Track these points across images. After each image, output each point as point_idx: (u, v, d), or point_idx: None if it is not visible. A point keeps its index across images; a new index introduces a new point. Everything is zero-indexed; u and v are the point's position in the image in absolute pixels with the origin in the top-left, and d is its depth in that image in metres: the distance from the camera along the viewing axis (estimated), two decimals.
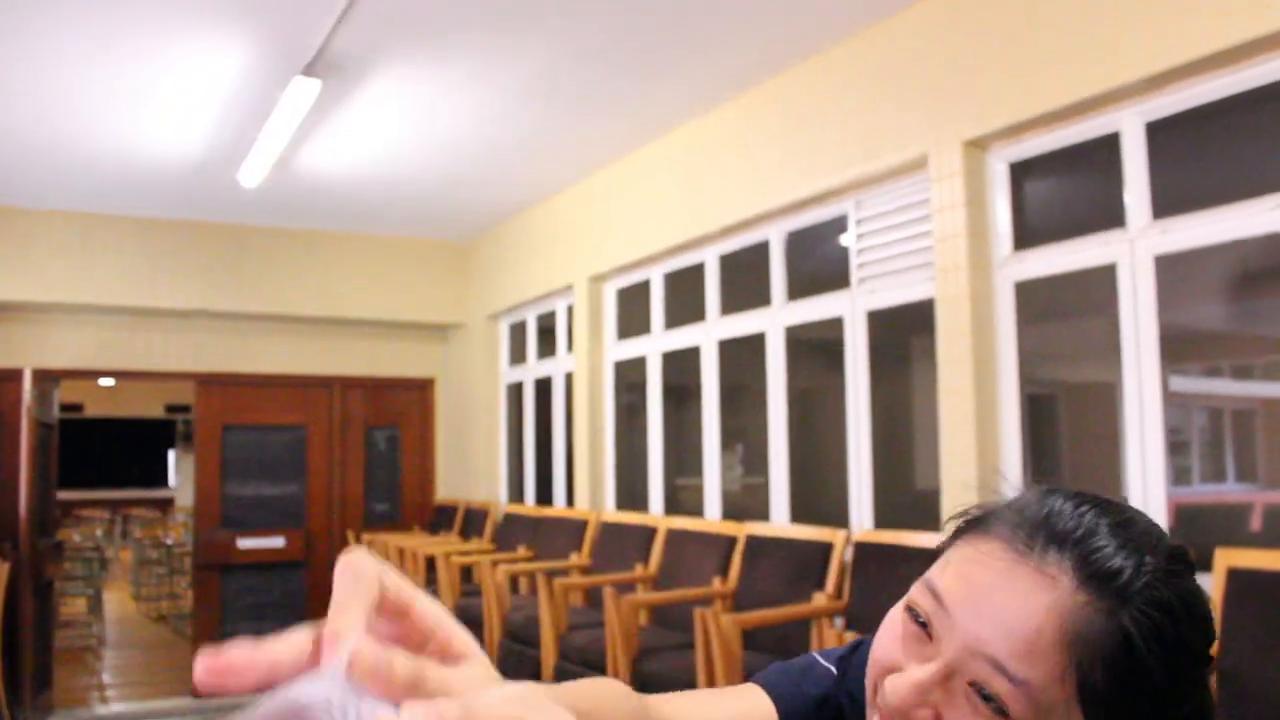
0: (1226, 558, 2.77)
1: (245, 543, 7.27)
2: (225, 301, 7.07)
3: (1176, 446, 3.46)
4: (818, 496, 4.61)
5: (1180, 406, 3.49)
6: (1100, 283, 3.38)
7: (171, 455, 18.32)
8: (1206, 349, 3.56)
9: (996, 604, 0.73)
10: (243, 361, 7.32)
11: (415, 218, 7.11)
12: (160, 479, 18.45)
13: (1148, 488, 3.21)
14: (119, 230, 6.79)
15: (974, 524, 0.80)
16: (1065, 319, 3.88)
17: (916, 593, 0.79)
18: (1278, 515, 3.01)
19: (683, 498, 5.57)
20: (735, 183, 4.82)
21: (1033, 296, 3.65)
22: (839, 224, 4.43)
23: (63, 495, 15.49)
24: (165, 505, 16.81)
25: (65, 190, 6.25)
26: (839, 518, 4.27)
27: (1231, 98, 3.06)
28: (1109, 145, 3.37)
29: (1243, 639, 2.62)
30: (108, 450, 17.49)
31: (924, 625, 0.77)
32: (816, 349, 4.77)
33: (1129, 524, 0.75)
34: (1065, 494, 0.78)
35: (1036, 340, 3.70)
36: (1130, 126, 3.28)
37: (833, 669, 1.02)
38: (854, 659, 1.04)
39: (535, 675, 4.62)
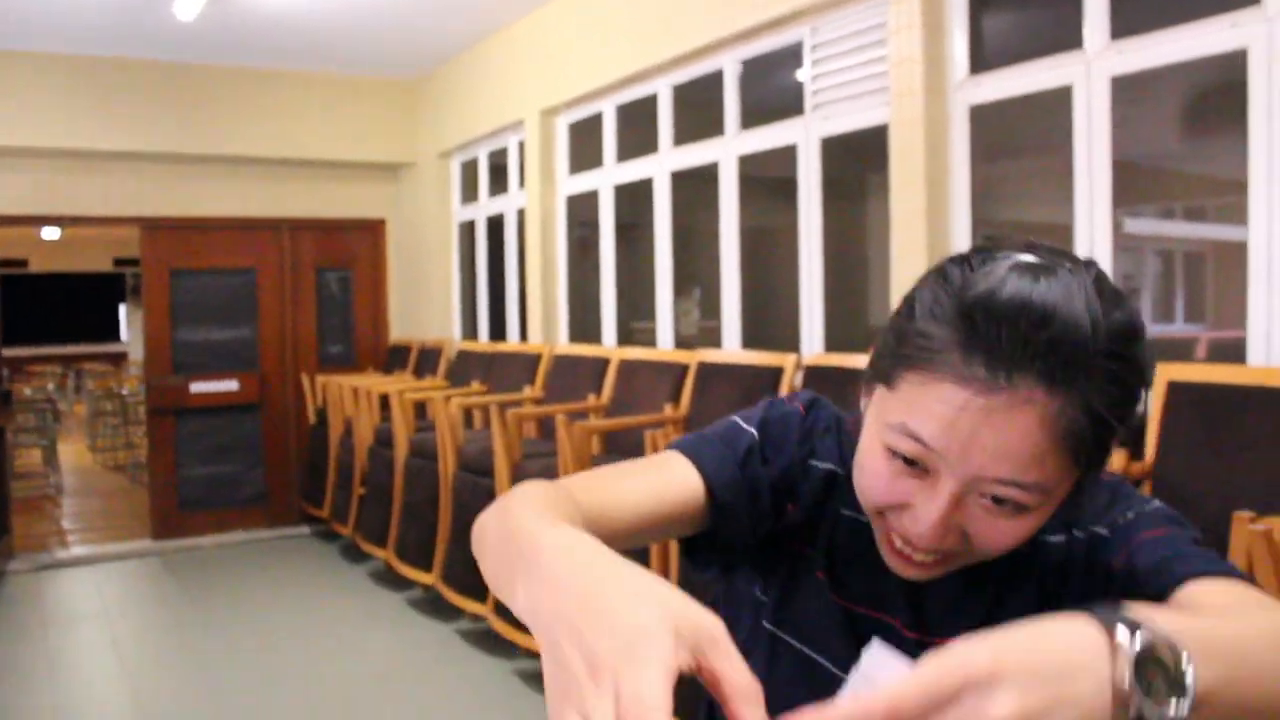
0: (1166, 372, 2.82)
1: (198, 386, 7.23)
2: (167, 143, 6.85)
3: (1129, 292, 3.49)
4: (770, 328, 4.63)
5: (1133, 250, 3.51)
6: (1056, 114, 3.35)
7: (122, 309, 18.09)
8: (1160, 189, 3.57)
9: (988, 441, 0.77)
10: (189, 205, 7.15)
11: (364, 54, 6.88)
12: (112, 333, 18.26)
13: None
14: (51, 68, 6.51)
15: (919, 357, 0.81)
16: (1020, 156, 3.86)
17: (897, 440, 0.82)
18: (1220, 348, 3.07)
19: (638, 340, 5.58)
20: (688, 10, 4.68)
21: (988, 130, 3.61)
22: (794, 54, 4.33)
23: (12, 352, 15.34)
24: (118, 359, 16.68)
25: None
26: (791, 345, 4.30)
27: None
28: None
29: (1180, 446, 2.69)
30: (57, 305, 17.23)
31: (912, 463, 0.82)
32: (770, 186, 4.73)
33: (1065, 282, 0.77)
34: (995, 282, 0.79)
35: (991, 180, 3.68)
36: None
37: (754, 432, 1.02)
38: (816, 416, 1.04)
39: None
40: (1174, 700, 0.57)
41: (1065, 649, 0.57)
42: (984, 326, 0.77)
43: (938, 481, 0.81)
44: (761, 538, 1.01)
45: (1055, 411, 0.76)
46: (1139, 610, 0.60)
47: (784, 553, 1.02)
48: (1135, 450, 2.76)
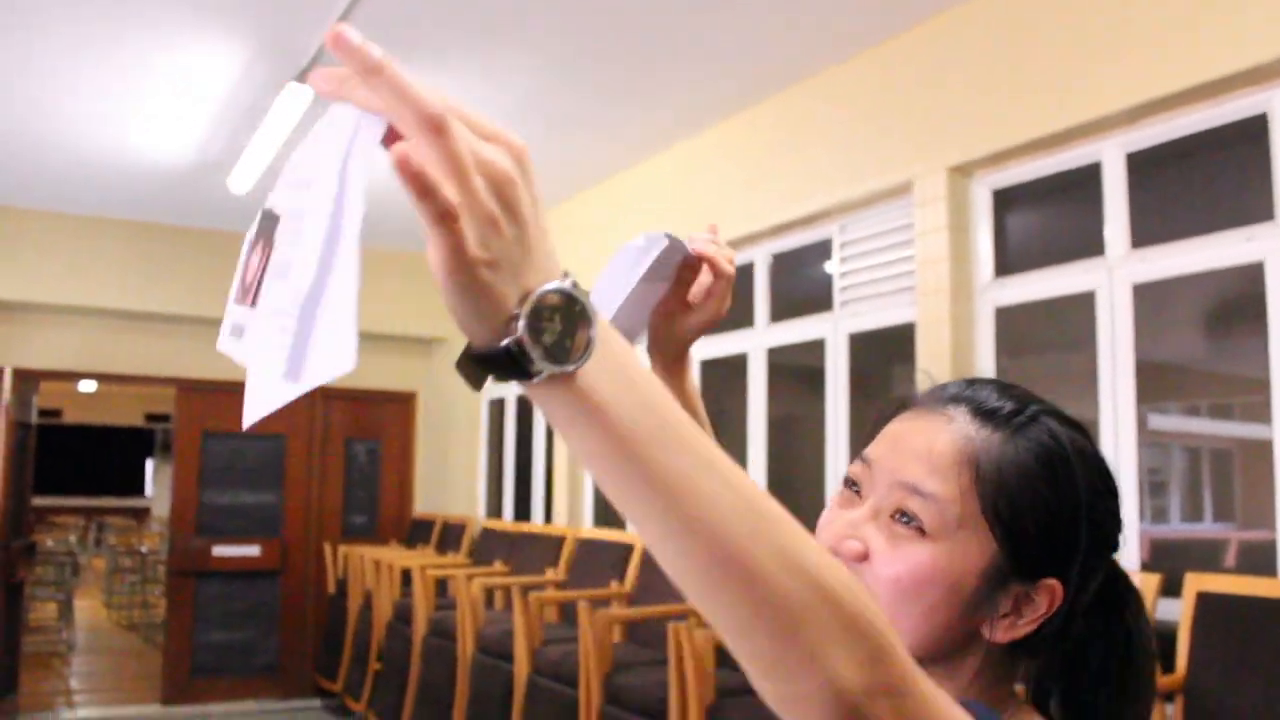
0: (1196, 583, 2.79)
1: (221, 550, 7.22)
2: (211, 308, 7.04)
3: (1157, 486, 3.50)
4: (797, 517, 4.61)
5: (1159, 446, 3.52)
6: (1079, 315, 3.42)
7: (149, 464, 18.22)
8: (1184, 387, 3.60)
9: (907, 442, 0.86)
10: (225, 369, 7.23)
11: (403, 230, 7.09)
12: (137, 488, 18.35)
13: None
14: (108, 232, 6.79)
15: (896, 408, 0.92)
16: (1044, 353, 3.92)
17: (850, 467, 0.90)
18: (1251, 551, 3.04)
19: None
20: (721, 205, 4.86)
21: (1013, 329, 3.69)
22: (823, 249, 4.46)
23: (38, 501, 15.41)
24: (141, 514, 16.72)
25: (55, 191, 6.25)
26: None
27: (1208, 131, 3.11)
28: (1090, 175, 3.42)
29: (1210, 661, 2.64)
30: (86, 457, 17.40)
31: (857, 490, 0.88)
32: (798, 375, 4.80)
33: (1015, 388, 0.89)
34: (972, 378, 0.93)
35: (1017, 375, 3.73)
36: (1111, 156, 3.34)
37: None
38: None
39: (507, 688, 4.61)
40: (550, 351, 0.53)
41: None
42: (946, 384, 0.91)
43: (864, 501, 0.87)
44: None
45: (969, 434, 0.84)
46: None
47: None
48: (1166, 663, 2.71)
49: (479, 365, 0.56)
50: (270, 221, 0.62)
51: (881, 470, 0.85)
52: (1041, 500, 0.82)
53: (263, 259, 0.61)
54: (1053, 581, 0.83)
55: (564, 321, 0.54)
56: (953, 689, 0.83)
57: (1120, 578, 0.90)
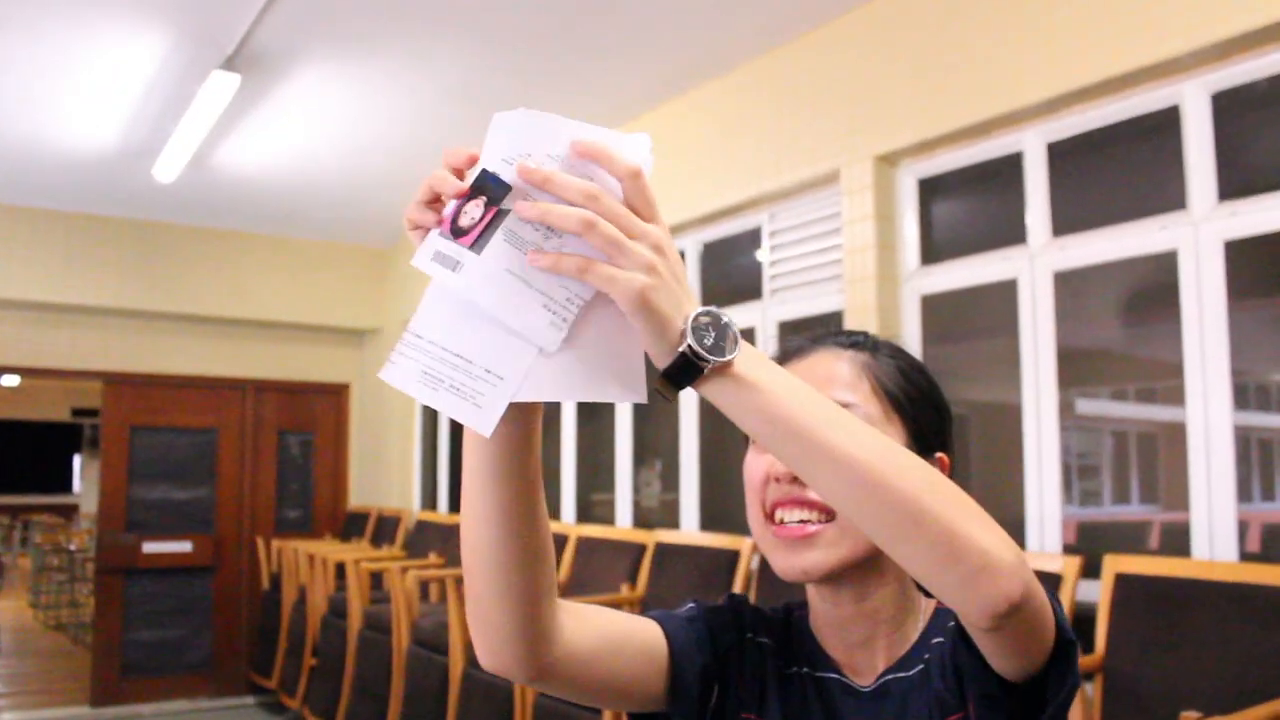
0: (1114, 564, 2.87)
1: (151, 547, 7.10)
2: (137, 300, 6.92)
3: (1087, 470, 3.58)
4: (728, 507, 4.65)
5: (1089, 430, 3.60)
6: (1002, 302, 3.49)
7: (77, 460, 17.84)
8: (1109, 372, 3.68)
9: (811, 377, 1.01)
10: (153, 361, 7.17)
11: (333, 220, 7.05)
12: (65, 484, 17.97)
13: (1044, 506, 3.31)
14: (29, 222, 6.62)
15: (782, 358, 1.12)
16: (969, 339, 3.98)
17: None
18: (1173, 532, 3.12)
19: (598, 513, 5.58)
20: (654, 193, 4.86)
21: (938, 316, 3.74)
22: (754, 237, 4.50)
23: None
24: (69, 511, 16.36)
25: None
26: (747, 528, 4.31)
27: (1125, 122, 3.19)
28: (1013, 164, 3.48)
29: (1127, 640, 2.71)
30: (10, 453, 16.98)
31: None
32: None
33: (854, 330, 1.15)
34: (818, 331, 1.16)
35: (942, 361, 3.79)
36: (1032, 146, 3.40)
37: (693, 607, 1.13)
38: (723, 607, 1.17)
39: (443, 681, 4.59)
40: (710, 351, 0.77)
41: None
42: (797, 337, 1.14)
43: None
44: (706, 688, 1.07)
45: (851, 356, 1.06)
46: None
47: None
48: (1086, 643, 2.78)
49: (667, 378, 0.78)
50: (499, 187, 0.76)
51: None
52: (919, 389, 1.07)
53: (487, 214, 0.76)
54: (942, 454, 1.08)
55: (715, 330, 0.77)
56: (892, 574, 1.05)
57: None
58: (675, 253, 0.79)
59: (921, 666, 1.01)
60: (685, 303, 0.78)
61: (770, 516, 1.04)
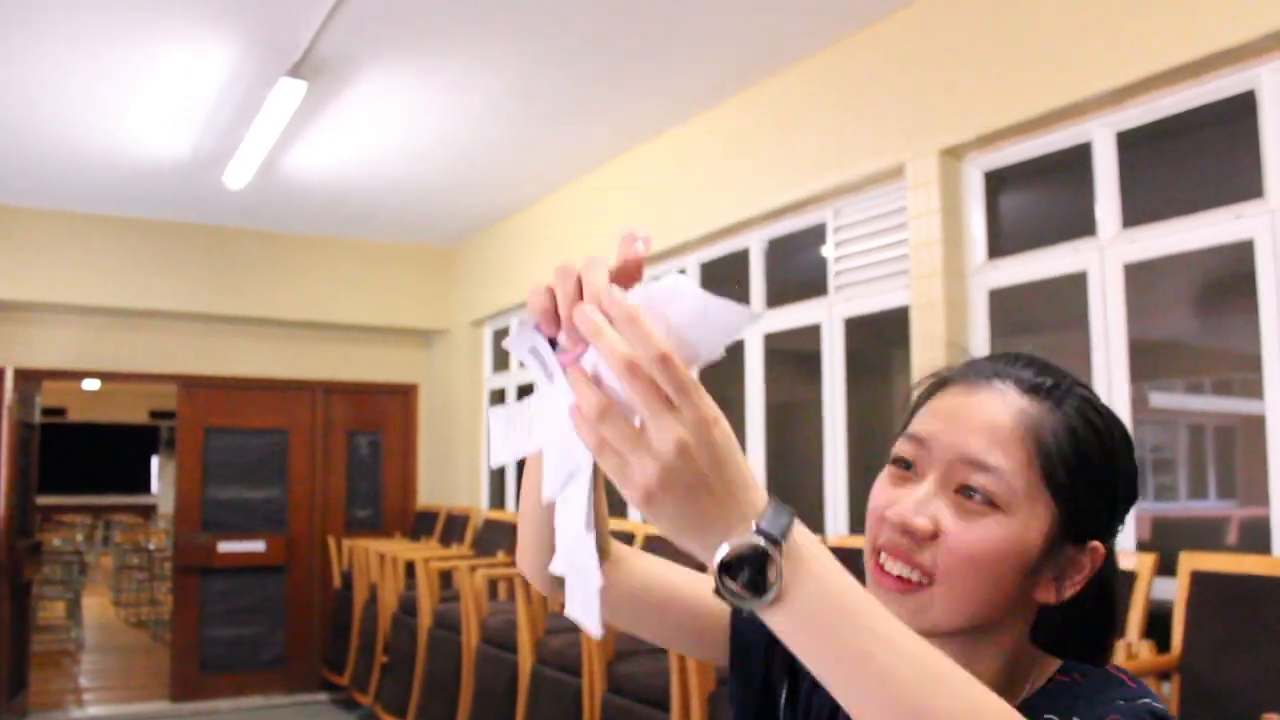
0: (1190, 561, 2.80)
1: (226, 546, 7.26)
2: (209, 304, 7.07)
3: (1162, 464, 3.50)
4: (794, 504, 4.62)
5: (1164, 423, 3.53)
6: (1072, 295, 3.43)
7: (155, 461, 18.25)
8: (1183, 365, 3.60)
9: (963, 419, 0.90)
10: (226, 364, 7.32)
11: (400, 222, 7.14)
12: (143, 485, 18.38)
13: None
14: (105, 230, 6.80)
15: (935, 385, 0.97)
16: (1038, 333, 3.92)
17: (899, 446, 0.94)
18: (1252, 528, 3.05)
19: None
20: (716, 190, 4.86)
21: (1006, 310, 3.69)
22: (818, 233, 4.47)
23: (44, 500, 15.43)
24: (148, 511, 16.74)
25: (51, 189, 6.26)
26: (815, 526, 4.29)
27: (1197, 109, 3.11)
28: (1081, 155, 3.42)
29: (1203, 638, 2.65)
30: (91, 455, 17.41)
31: (908, 467, 0.92)
32: (794, 360, 4.80)
33: (1041, 361, 0.95)
34: (1001, 353, 0.98)
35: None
36: (1101, 136, 3.34)
37: None
38: None
39: (512, 678, 4.63)
40: (750, 595, 0.66)
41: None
42: (978, 358, 0.96)
43: (923, 477, 0.91)
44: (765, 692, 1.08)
45: (1022, 407, 0.89)
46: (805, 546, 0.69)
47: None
48: (1161, 642, 2.72)
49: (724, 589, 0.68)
50: (536, 357, 0.73)
51: (940, 446, 0.89)
52: (1091, 465, 0.89)
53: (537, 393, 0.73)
54: (1096, 543, 0.91)
55: (750, 565, 0.66)
56: (998, 650, 0.92)
57: None
58: (720, 446, 0.66)
59: None
60: (723, 515, 0.66)
61: (876, 553, 0.94)
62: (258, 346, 7.42)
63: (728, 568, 0.66)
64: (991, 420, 0.88)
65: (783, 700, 1.08)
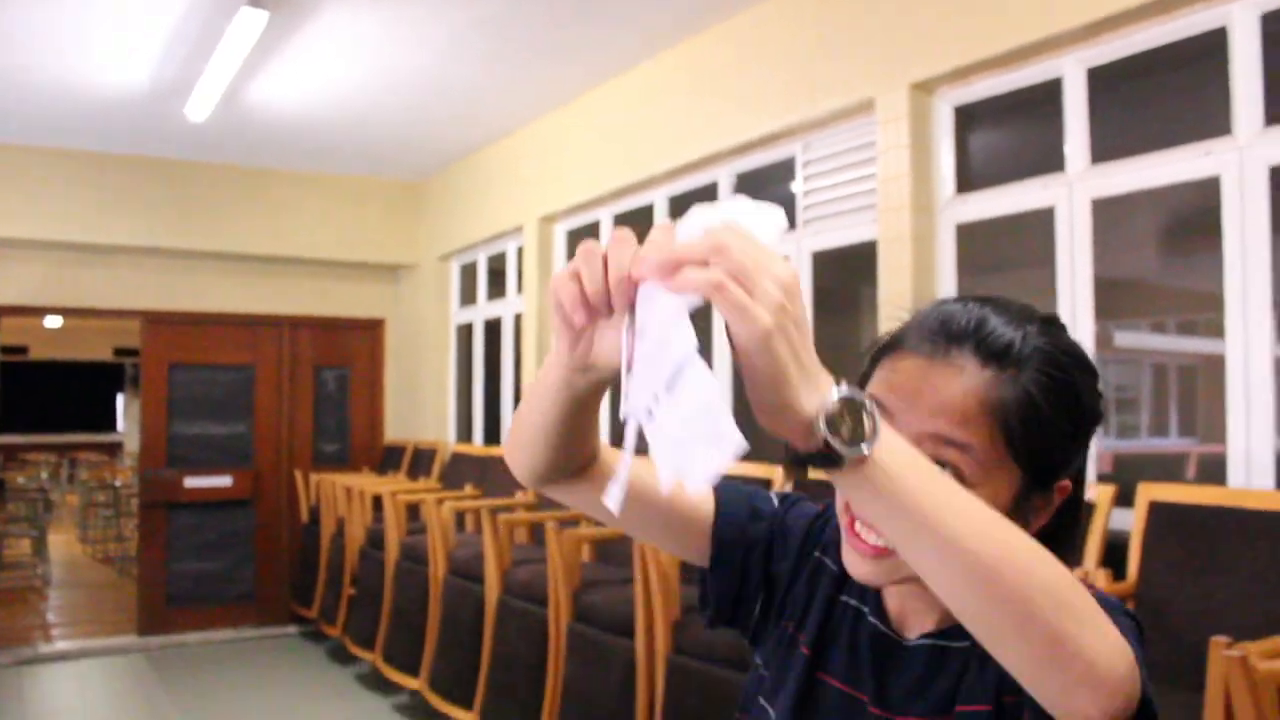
0: (1148, 492, 2.85)
1: (192, 481, 7.23)
2: (173, 239, 6.98)
3: (1126, 403, 3.55)
4: (764, 436, 4.65)
5: (1128, 362, 3.57)
6: (1040, 231, 3.44)
7: (120, 399, 18.12)
8: (1148, 303, 3.63)
9: (925, 399, 0.91)
10: (190, 300, 7.24)
11: (366, 156, 7.05)
12: (108, 423, 18.26)
13: None
14: (64, 164, 6.67)
15: (886, 348, 0.98)
16: (1005, 269, 3.94)
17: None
18: (1211, 464, 3.10)
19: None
20: (684, 124, 4.82)
21: (974, 245, 3.70)
22: (787, 168, 4.45)
23: (7, 439, 15.34)
24: (114, 449, 16.66)
25: (8, 123, 6.12)
26: (779, 454, 4.32)
27: (1168, 45, 3.11)
28: (1051, 90, 3.41)
29: (1161, 566, 2.71)
30: (54, 394, 17.26)
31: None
32: None
33: (1006, 306, 0.96)
34: (952, 299, 0.99)
35: (977, 292, 3.74)
36: (1072, 72, 3.33)
37: (774, 499, 1.16)
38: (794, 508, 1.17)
39: (478, 610, 4.67)
40: (848, 442, 0.72)
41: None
42: (932, 317, 0.95)
43: None
44: (755, 599, 1.13)
45: (983, 382, 0.90)
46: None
47: (779, 629, 1.12)
48: (1118, 570, 2.77)
49: (798, 464, 0.75)
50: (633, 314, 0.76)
51: (905, 425, 0.90)
52: (1054, 424, 0.91)
53: (631, 340, 0.76)
54: (1065, 481, 0.95)
55: (851, 416, 0.72)
56: None
57: None
58: (804, 309, 0.72)
59: (969, 643, 0.93)
60: (815, 373, 0.72)
61: (851, 518, 0.97)
62: (223, 281, 7.34)
63: (832, 420, 0.71)
64: (952, 402, 0.90)
65: (757, 611, 1.13)
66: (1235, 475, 2.84)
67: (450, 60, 5.16)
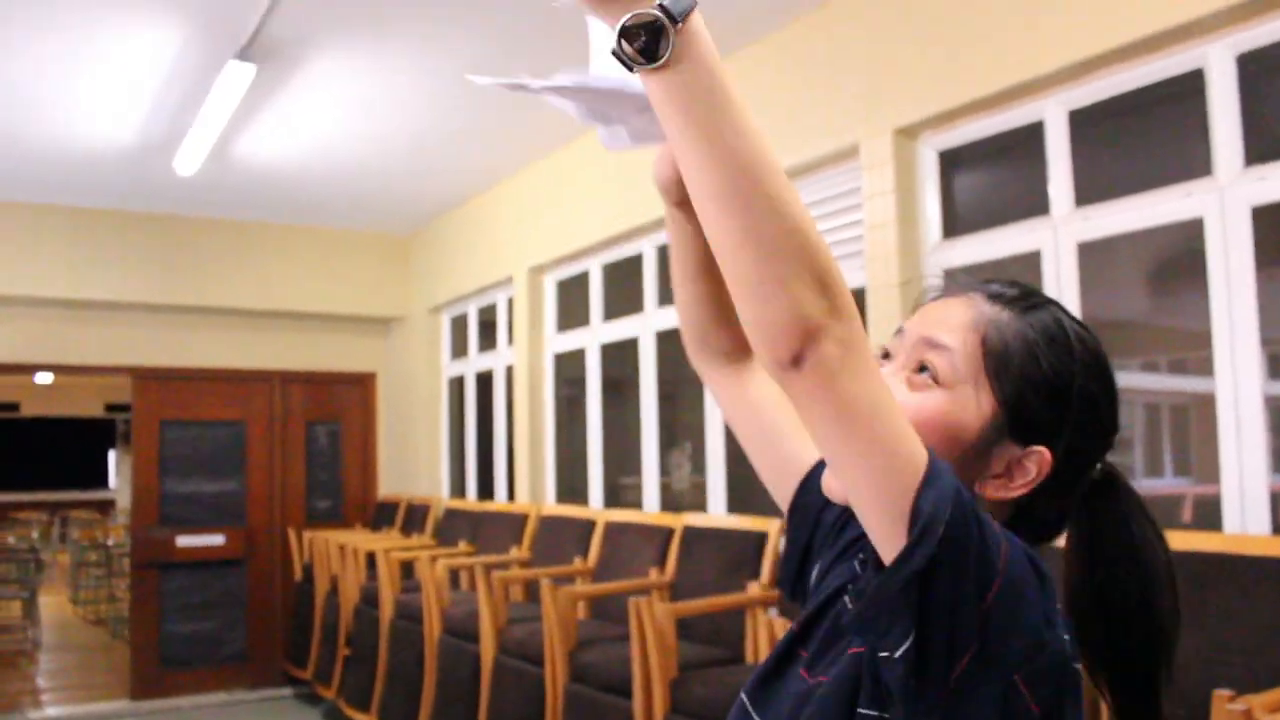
0: None
1: (184, 540, 7.16)
2: (162, 294, 6.96)
3: (1119, 442, 3.51)
4: (757, 489, 4.62)
5: (1121, 402, 3.55)
6: (1027, 274, 3.43)
7: (112, 455, 18.02)
8: (1137, 343, 3.62)
9: (932, 314, 0.99)
10: (180, 355, 7.21)
11: (354, 209, 7.06)
12: (100, 480, 18.16)
13: None
14: (53, 219, 6.67)
15: (926, 300, 1.05)
16: None
17: (886, 341, 1.03)
18: (1206, 505, 3.07)
19: (627, 498, 5.56)
20: None
21: None
22: None
23: None
24: (106, 506, 16.54)
25: None
26: (775, 509, 4.28)
27: (1148, 87, 3.12)
28: (1034, 133, 3.42)
29: None
30: (46, 450, 17.16)
31: (887, 356, 1.01)
32: None
33: (1027, 286, 1.02)
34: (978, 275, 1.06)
35: None
36: (1053, 115, 3.34)
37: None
38: None
39: (475, 669, 4.60)
40: (642, 60, 0.77)
41: None
42: (963, 275, 1.07)
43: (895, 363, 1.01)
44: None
45: (987, 314, 0.96)
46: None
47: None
48: None
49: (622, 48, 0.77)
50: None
51: (909, 335, 0.98)
52: (1038, 370, 0.94)
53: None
54: (1042, 448, 0.93)
55: (646, 33, 0.76)
56: None
57: (1121, 484, 1.02)
58: None
59: None
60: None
61: None
62: (212, 336, 7.32)
63: (627, 32, 0.75)
64: (949, 318, 0.97)
65: (815, 571, 1.16)
66: (1230, 517, 2.81)
67: (437, 112, 5.18)
